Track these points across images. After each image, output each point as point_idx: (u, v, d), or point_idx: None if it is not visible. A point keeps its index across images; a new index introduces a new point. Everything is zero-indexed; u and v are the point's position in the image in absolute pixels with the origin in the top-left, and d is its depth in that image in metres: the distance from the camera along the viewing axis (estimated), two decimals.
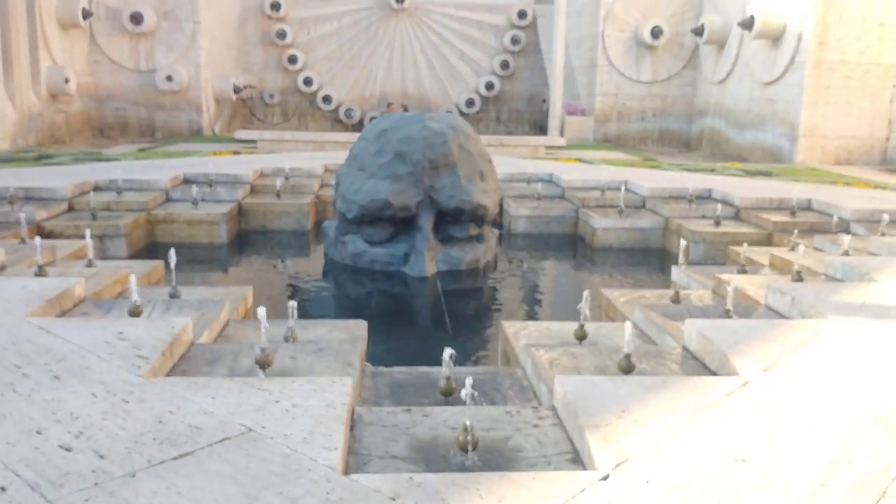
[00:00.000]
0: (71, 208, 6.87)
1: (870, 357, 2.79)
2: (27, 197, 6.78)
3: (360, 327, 3.68)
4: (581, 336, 3.43)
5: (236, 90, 19.41)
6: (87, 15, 15.75)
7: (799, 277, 4.32)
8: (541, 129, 21.20)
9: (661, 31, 17.97)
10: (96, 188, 7.38)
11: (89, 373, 2.44)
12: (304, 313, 4.96)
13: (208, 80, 18.13)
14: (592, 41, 18.90)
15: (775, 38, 14.62)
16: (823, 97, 13.98)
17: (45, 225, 6.27)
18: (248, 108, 21.93)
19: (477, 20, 22.12)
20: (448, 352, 2.65)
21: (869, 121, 14.19)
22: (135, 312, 3.42)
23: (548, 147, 16.02)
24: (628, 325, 2.90)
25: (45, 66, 14.94)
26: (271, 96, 22.07)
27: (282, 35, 21.45)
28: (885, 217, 6.06)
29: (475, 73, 22.39)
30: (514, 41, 21.98)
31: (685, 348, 3.16)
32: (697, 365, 2.99)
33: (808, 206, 7.40)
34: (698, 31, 17.14)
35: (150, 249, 6.58)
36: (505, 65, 22.20)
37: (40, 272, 4.04)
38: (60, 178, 7.50)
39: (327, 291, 6.03)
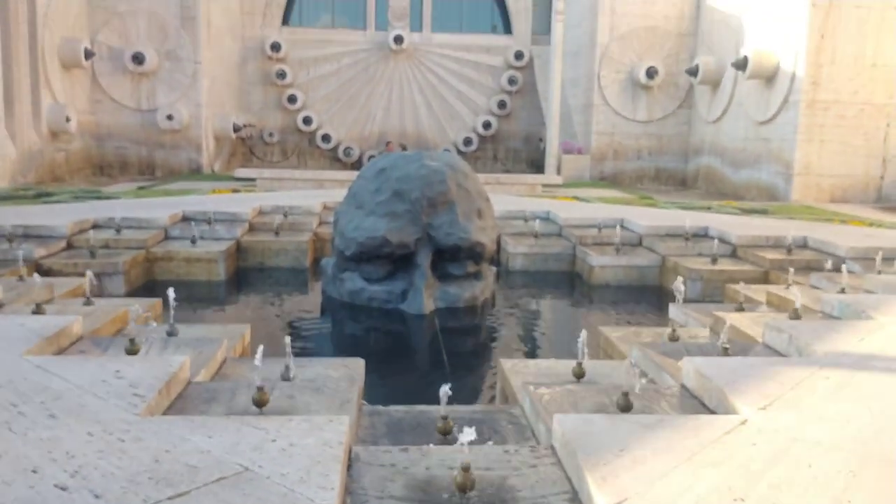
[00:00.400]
0: (70, 246, 6.87)
1: (868, 395, 2.78)
2: (26, 234, 6.78)
3: (357, 365, 3.67)
4: (579, 374, 3.43)
5: (236, 129, 19.64)
6: (89, 55, 16.03)
7: (796, 315, 4.33)
8: (538, 167, 21.44)
9: (656, 72, 18.29)
10: (95, 226, 7.38)
11: (86, 411, 2.43)
12: (301, 351, 4.96)
13: (209, 118, 18.36)
14: (588, 81, 19.22)
15: (769, 79, 14.88)
16: (818, 136, 14.17)
17: (44, 262, 6.27)
18: (247, 147, 22.18)
19: (474, 61, 22.53)
20: (445, 390, 2.64)
21: (863, 159, 14.36)
22: (132, 350, 3.42)
23: (545, 185, 16.18)
24: (626, 364, 2.90)
25: (47, 104, 15.14)
26: (271, 135, 22.33)
27: (282, 75, 21.81)
28: (881, 255, 6.09)
29: (473, 113, 22.71)
30: (511, 81, 22.36)
31: (683, 386, 3.15)
32: (696, 403, 2.98)
33: (804, 244, 7.44)
34: (693, 72, 17.44)
35: (149, 287, 6.57)
36: (502, 104, 22.54)
37: (38, 310, 4.04)
38: (59, 216, 7.53)
39: (325, 329, 6.02)
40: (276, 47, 21.66)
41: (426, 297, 5.71)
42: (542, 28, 22.17)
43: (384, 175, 5.98)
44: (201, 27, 17.53)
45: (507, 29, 22.90)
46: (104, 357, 3.32)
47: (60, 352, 3.39)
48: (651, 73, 18.28)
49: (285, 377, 3.31)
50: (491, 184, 13.87)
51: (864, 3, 13.78)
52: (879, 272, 5.81)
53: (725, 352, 3.68)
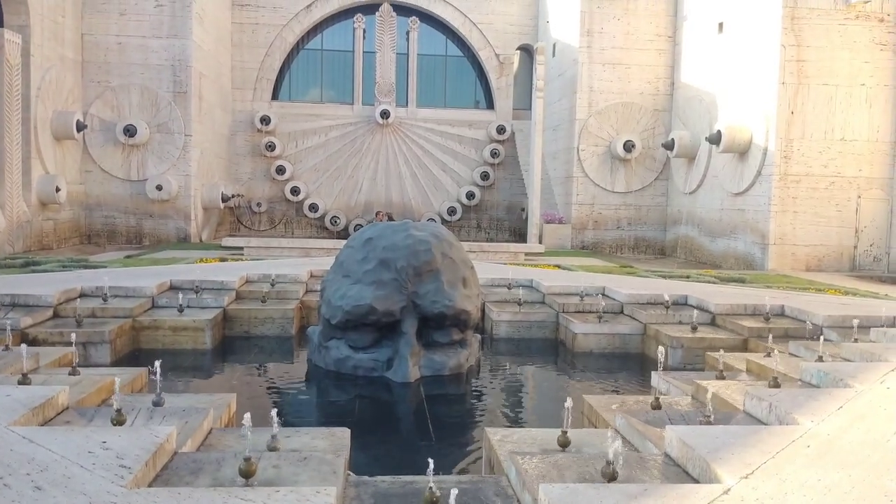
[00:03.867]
0: (56, 315, 6.84)
1: (848, 463, 2.83)
2: (13, 304, 6.75)
3: (343, 435, 3.67)
4: (564, 443, 3.46)
5: (225, 199, 19.83)
6: (81, 127, 16.28)
7: (776, 383, 4.40)
8: (520, 236, 21.76)
9: (633, 145, 18.88)
10: (82, 295, 7.36)
11: (72, 483, 2.42)
12: (287, 420, 4.93)
13: (198, 189, 18.56)
14: (568, 154, 19.77)
15: (742, 153, 15.41)
16: (791, 207, 14.60)
17: (30, 332, 6.24)
18: (235, 216, 22.37)
19: (458, 134, 23.17)
20: (431, 463, 2.67)
21: (836, 229, 14.76)
22: (118, 421, 3.41)
23: (527, 254, 16.40)
24: (611, 434, 2.94)
25: (38, 175, 15.28)
26: (258, 205, 22.57)
27: (270, 147, 22.23)
28: (857, 323, 6.21)
29: (456, 184, 23.17)
30: (494, 154, 22.95)
31: (667, 455, 3.19)
32: (679, 471, 3.02)
33: (781, 313, 7.56)
34: (669, 146, 18.02)
35: (135, 356, 6.54)
36: (485, 176, 23.05)
37: (24, 380, 4.03)
38: (47, 285, 7.51)
39: (310, 397, 5.99)
40: (265, 120, 22.17)
41: (411, 365, 5.74)
42: (523, 104, 22.94)
43: (371, 244, 6.09)
44: (192, 101, 17.95)
45: (490, 104, 23.66)
46: (90, 427, 3.31)
47: (46, 422, 3.37)
48: (628, 146, 18.86)
49: (272, 447, 3.31)
50: (475, 252, 14.07)
51: (832, 81, 14.48)
52: (856, 340, 5.91)
53: (707, 420, 3.73)
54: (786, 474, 2.69)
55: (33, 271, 10.00)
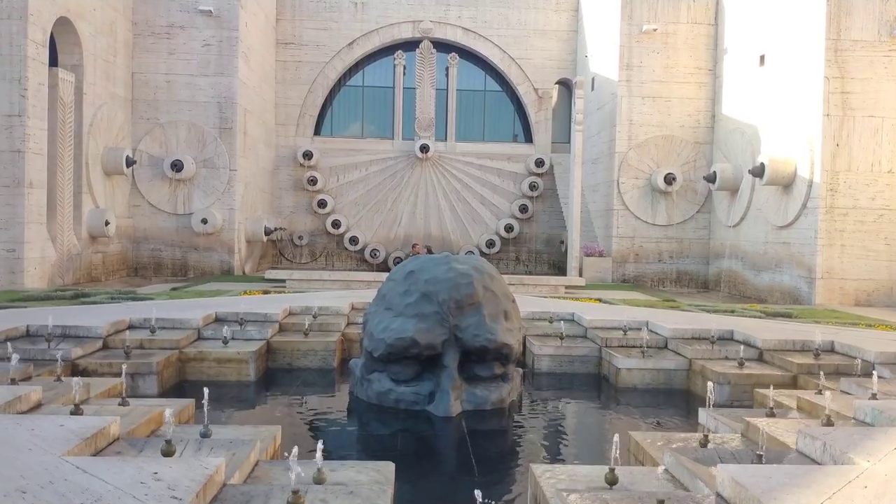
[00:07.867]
0: (105, 346, 7.00)
1: None
2: (64, 335, 6.94)
3: (387, 469, 3.68)
4: (612, 481, 3.40)
5: (267, 232, 20.23)
6: (130, 163, 16.86)
7: (829, 422, 4.28)
8: (559, 269, 21.64)
9: (674, 178, 18.73)
10: (131, 327, 7.52)
11: None
12: (329, 453, 4.96)
13: (241, 222, 18.99)
14: (608, 187, 19.69)
15: (786, 185, 15.16)
16: (838, 241, 14.26)
17: (80, 362, 6.40)
18: (277, 249, 22.78)
19: (497, 168, 23.31)
20: (478, 494, 2.66)
21: (886, 263, 14.34)
22: (167, 452, 3.47)
23: (567, 287, 16.27)
24: (660, 471, 2.89)
25: (88, 209, 15.83)
26: (300, 238, 22.97)
27: (312, 181, 22.69)
28: None
29: (495, 216, 23.25)
30: (532, 187, 23.00)
31: (719, 495, 3.12)
32: None
33: (831, 349, 7.34)
34: (710, 178, 17.82)
35: (180, 387, 6.65)
36: (524, 208, 23.08)
37: (76, 410, 4.13)
38: (96, 317, 7.71)
39: (353, 431, 6.00)
40: (307, 155, 22.67)
41: (453, 398, 5.72)
42: (562, 137, 23.02)
43: (413, 277, 6.14)
44: (237, 137, 18.48)
45: (528, 138, 23.79)
46: (141, 458, 3.37)
47: (98, 452, 3.44)
48: (669, 179, 18.72)
49: (317, 480, 3.33)
50: (514, 285, 14.02)
51: (878, 113, 14.22)
52: None
53: (759, 459, 3.64)
54: None
55: (83, 303, 10.29)
